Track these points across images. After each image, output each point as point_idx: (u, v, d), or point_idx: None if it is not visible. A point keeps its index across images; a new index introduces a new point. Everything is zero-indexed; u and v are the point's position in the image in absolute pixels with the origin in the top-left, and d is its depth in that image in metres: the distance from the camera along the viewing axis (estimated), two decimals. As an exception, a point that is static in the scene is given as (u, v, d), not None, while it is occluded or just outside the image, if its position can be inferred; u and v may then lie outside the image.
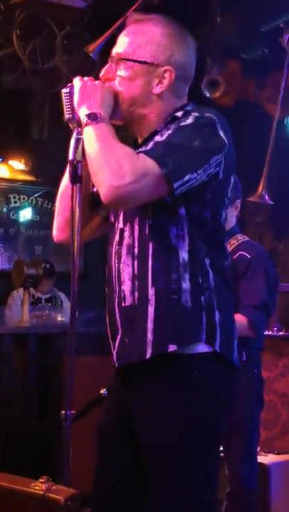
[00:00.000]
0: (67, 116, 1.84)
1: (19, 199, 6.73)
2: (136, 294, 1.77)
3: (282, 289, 4.56)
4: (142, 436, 1.76)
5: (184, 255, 1.75)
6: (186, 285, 1.74)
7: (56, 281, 5.65)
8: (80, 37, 4.76)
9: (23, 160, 6.64)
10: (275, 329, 3.92)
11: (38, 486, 1.68)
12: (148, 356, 1.73)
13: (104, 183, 1.68)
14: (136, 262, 1.78)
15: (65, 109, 1.84)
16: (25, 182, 6.67)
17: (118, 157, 1.67)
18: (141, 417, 1.77)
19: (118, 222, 1.85)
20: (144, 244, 1.77)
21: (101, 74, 1.88)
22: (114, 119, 1.85)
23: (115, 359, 1.83)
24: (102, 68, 1.90)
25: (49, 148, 6.34)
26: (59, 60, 4.81)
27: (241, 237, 3.02)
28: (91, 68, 4.61)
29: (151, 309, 1.74)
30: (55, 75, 4.96)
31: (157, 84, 1.83)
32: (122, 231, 1.82)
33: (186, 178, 1.69)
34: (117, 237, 1.83)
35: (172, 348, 1.71)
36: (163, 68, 1.82)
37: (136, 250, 1.78)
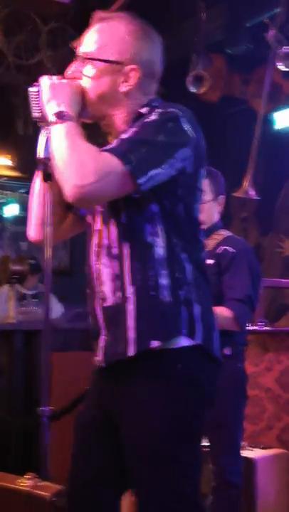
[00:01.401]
0: (35, 114, 1.84)
1: (4, 195, 6.71)
2: (118, 294, 1.77)
3: (268, 284, 4.58)
4: (126, 433, 1.76)
5: (159, 251, 1.76)
6: (163, 281, 1.74)
7: (42, 277, 5.63)
8: (64, 32, 4.75)
9: (8, 156, 6.61)
10: (261, 324, 3.93)
11: (24, 483, 1.69)
12: (131, 354, 1.73)
13: (67, 182, 1.68)
14: (115, 262, 1.78)
15: (32, 108, 1.84)
16: (10, 178, 6.65)
17: (81, 156, 1.67)
18: (124, 413, 1.77)
19: (96, 224, 1.85)
20: (121, 244, 1.78)
21: (68, 73, 1.87)
22: (83, 117, 1.85)
23: (100, 359, 1.83)
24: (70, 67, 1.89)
25: (34, 144, 6.30)
26: (44, 56, 4.80)
27: (224, 232, 3.03)
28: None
29: (131, 307, 1.74)
30: (40, 70, 4.94)
31: (123, 83, 1.82)
32: (100, 232, 1.83)
33: (151, 173, 1.69)
34: (96, 239, 1.84)
35: (154, 343, 1.71)
36: (128, 67, 1.82)
37: (114, 250, 1.79)
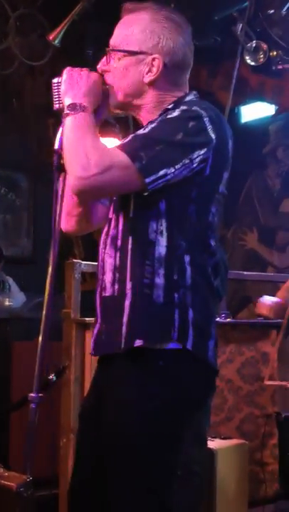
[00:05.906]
0: (55, 106, 1.83)
1: None
2: (116, 286, 1.77)
3: (230, 276, 4.61)
4: (103, 423, 1.77)
5: (160, 250, 1.73)
6: (159, 280, 1.72)
7: (4, 265, 5.59)
8: (33, 19, 4.71)
9: None
10: (223, 316, 3.96)
11: (-11, 472, 1.67)
12: (119, 349, 1.73)
13: (71, 173, 1.69)
14: (118, 254, 1.78)
15: (53, 99, 1.83)
16: None
17: (87, 148, 1.67)
18: (106, 403, 1.78)
19: (109, 212, 1.85)
20: (125, 237, 1.77)
21: (98, 66, 1.87)
22: (112, 109, 1.86)
23: (92, 347, 1.85)
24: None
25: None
26: (12, 42, 4.74)
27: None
28: (44, 51, 4.57)
29: (127, 303, 1.74)
30: (8, 56, 4.89)
31: (147, 73, 1.82)
32: (109, 221, 1.83)
33: (162, 173, 1.67)
34: (106, 227, 1.84)
35: (138, 343, 1.71)
36: (150, 57, 1.81)
37: (119, 242, 1.78)
